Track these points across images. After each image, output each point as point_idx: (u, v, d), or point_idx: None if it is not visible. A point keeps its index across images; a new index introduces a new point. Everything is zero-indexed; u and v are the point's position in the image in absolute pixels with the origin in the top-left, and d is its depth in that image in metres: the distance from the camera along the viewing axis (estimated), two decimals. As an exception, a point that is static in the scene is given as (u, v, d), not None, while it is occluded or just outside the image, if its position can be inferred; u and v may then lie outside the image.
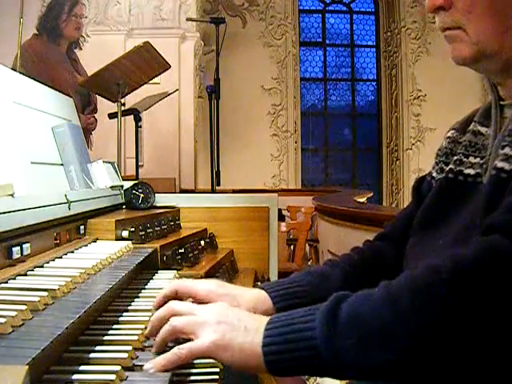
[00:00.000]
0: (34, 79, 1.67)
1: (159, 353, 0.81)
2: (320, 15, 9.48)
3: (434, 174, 1.04)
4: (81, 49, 5.00)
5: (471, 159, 0.96)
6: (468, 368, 0.71)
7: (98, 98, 4.24)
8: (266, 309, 0.97)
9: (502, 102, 0.94)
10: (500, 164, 0.84)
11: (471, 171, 0.95)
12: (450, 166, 0.99)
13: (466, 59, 0.89)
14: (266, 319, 0.78)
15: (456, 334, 0.68)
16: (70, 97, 2.02)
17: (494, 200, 0.80)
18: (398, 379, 0.75)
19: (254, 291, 0.99)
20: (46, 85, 1.76)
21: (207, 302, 0.91)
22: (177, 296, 0.95)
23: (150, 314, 0.95)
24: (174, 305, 0.86)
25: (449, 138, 1.05)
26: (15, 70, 1.59)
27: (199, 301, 0.93)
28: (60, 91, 1.91)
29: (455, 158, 0.99)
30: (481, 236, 0.76)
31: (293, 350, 0.72)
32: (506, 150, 0.84)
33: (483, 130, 0.97)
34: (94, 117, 4.77)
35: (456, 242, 0.89)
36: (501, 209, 0.76)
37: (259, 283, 1.87)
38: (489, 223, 0.76)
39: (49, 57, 4.74)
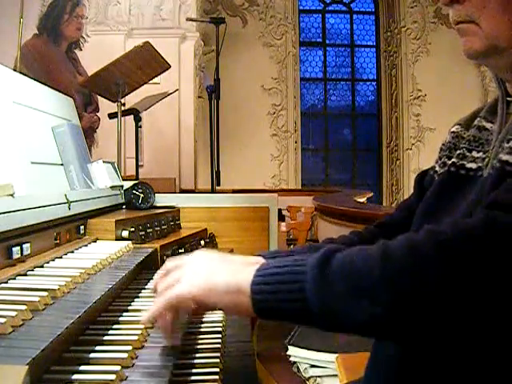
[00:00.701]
0: (36, 79, 1.67)
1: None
2: (320, 15, 9.48)
3: (437, 168, 1.05)
4: (80, 49, 5.01)
5: (474, 153, 0.96)
6: (451, 335, 0.70)
7: (99, 97, 4.25)
8: None
9: (508, 98, 0.94)
10: (505, 157, 0.84)
11: (473, 165, 0.95)
12: (453, 159, 0.99)
13: (477, 53, 0.89)
14: (253, 263, 0.79)
15: (443, 296, 0.68)
16: (71, 96, 2.02)
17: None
18: (380, 336, 0.75)
19: (252, 257, 1.00)
20: (46, 85, 1.76)
21: None
22: None
23: (149, 314, 0.95)
24: (160, 284, 0.85)
25: (453, 132, 1.05)
26: (15, 70, 1.59)
27: None
28: (62, 90, 1.91)
29: (458, 152, 0.99)
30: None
31: (282, 290, 0.72)
32: (511, 143, 0.84)
33: (488, 125, 0.97)
34: (96, 115, 4.78)
35: None
36: (503, 187, 0.76)
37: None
38: (490, 200, 0.76)
39: (50, 56, 4.75)
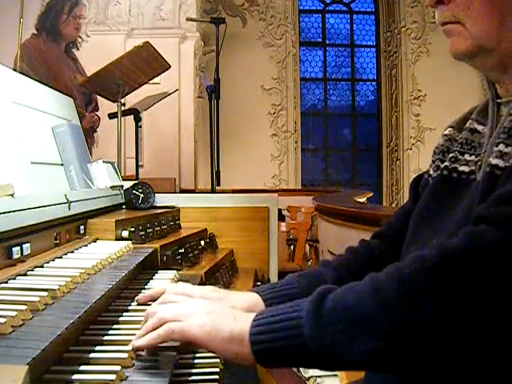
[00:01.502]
0: (37, 79, 1.67)
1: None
2: (320, 15, 9.48)
3: (431, 172, 1.04)
4: (78, 49, 5.01)
5: (466, 156, 0.96)
6: (452, 357, 0.71)
7: (98, 97, 4.25)
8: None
9: (498, 100, 0.94)
10: (494, 161, 0.84)
11: (466, 168, 0.94)
12: (446, 163, 0.99)
13: (463, 53, 0.89)
14: (253, 313, 0.79)
15: (439, 321, 0.68)
16: (72, 95, 2.03)
17: (488, 196, 0.80)
18: (382, 369, 0.75)
19: (248, 294, 1.00)
20: (46, 85, 1.76)
21: None
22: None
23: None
24: (153, 307, 0.87)
25: (446, 135, 1.05)
26: (15, 70, 1.59)
27: None
28: (64, 88, 1.92)
29: (451, 155, 0.99)
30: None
31: (279, 338, 0.73)
32: (501, 146, 0.84)
33: (480, 127, 0.97)
34: (97, 115, 4.79)
35: (450, 238, 0.89)
36: (489, 201, 0.77)
37: (259, 283, 1.87)
38: (477, 214, 0.76)
39: (51, 55, 4.76)
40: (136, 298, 0.99)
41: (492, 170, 0.84)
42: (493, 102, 0.95)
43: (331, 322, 0.71)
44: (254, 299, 0.98)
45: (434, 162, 1.05)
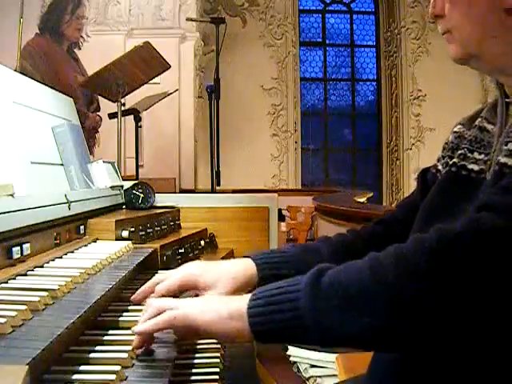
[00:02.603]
0: (39, 79, 1.67)
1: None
2: (320, 15, 9.47)
3: (440, 167, 1.05)
4: (80, 49, 5.02)
5: (475, 155, 0.96)
6: (445, 340, 0.71)
7: (100, 97, 4.25)
8: (247, 275, 0.98)
9: (507, 100, 0.95)
10: (503, 159, 0.84)
11: (475, 167, 0.95)
12: (454, 159, 0.99)
13: (457, 59, 0.96)
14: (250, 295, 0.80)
15: (434, 304, 0.68)
16: (76, 95, 2.03)
17: None
18: (374, 347, 0.76)
19: (238, 259, 1.01)
20: (46, 85, 1.76)
21: (191, 286, 0.94)
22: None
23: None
24: (154, 303, 0.86)
25: (456, 132, 1.05)
26: (16, 70, 1.59)
27: (185, 289, 0.95)
28: (67, 88, 1.92)
29: (459, 152, 0.99)
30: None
31: (276, 311, 0.74)
32: (510, 145, 0.84)
33: (489, 126, 0.97)
34: (98, 115, 4.80)
35: None
36: (494, 190, 0.78)
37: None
38: (484, 202, 0.76)
39: (54, 55, 4.77)
40: (131, 298, 0.99)
41: (501, 169, 0.84)
42: (501, 102, 0.95)
43: (328, 296, 0.72)
44: (246, 263, 0.99)
45: (443, 157, 1.05)
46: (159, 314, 0.81)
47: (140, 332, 0.81)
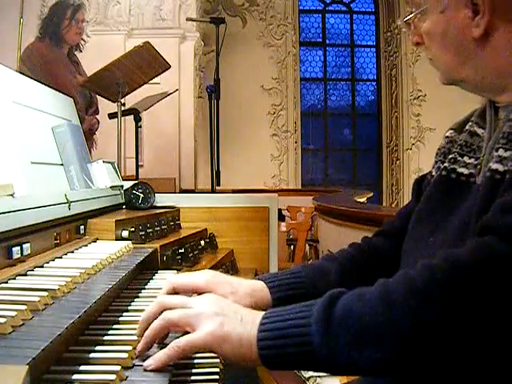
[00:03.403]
0: (39, 81, 1.67)
1: (148, 348, 0.81)
2: (320, 15, 9.47)
3: (434, 173, 1.05)
4: (81, 51, 5.03)
5: (465, 159, 0.97)
6: (463, 371, 0.71)
7: (99, 98, 4.26)
8: (262, 297, 0.98)
9: (496, 104, 0.96)
10: (494, 166, 0.85)
11: (464, 170, 0.96)
12: (445, 164, 1.00)
13: (444, 83, 1.03)
14: (261, 313, 0.79)
15: (449, 336, 0.68)
16: (74, 98, 2.03)
17: (489, 201, 0.81)
18: (390, 376, 0.76)
19: (252, 280, 1.01)
20: (46, 85, 1.76)
21: (206, 292, 0.92)
22: (175, 293, 0.95)
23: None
24: (165, 298, 0.86)
25: (447, 137, 1.06)
26: (16, 70, 1.59)
27: (199, 292, 0.93)
28: (65, 93, 1.92)
29: (450, 156, 1.00)
30: (476, 236, 0.76)
31: (287, 345, 0.73)
32: (500, 151, 0.85)
33: (479, 131, 0.98)
34: (96, 118, 4.80)
35: (448, 240, 0.90)
36: (495, 209, 0.77)
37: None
38: (484, 224, 0.76)
39: (53, 59, 4.77)
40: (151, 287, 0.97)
41: (492, 175, 0.85)
42: (490, 107, 0.98)
43: (340, 332, 0.71)
44: (257, 285, 0.99)
45: (436, 162, 1.06)
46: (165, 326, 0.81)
47: (157, 366, 0.78)
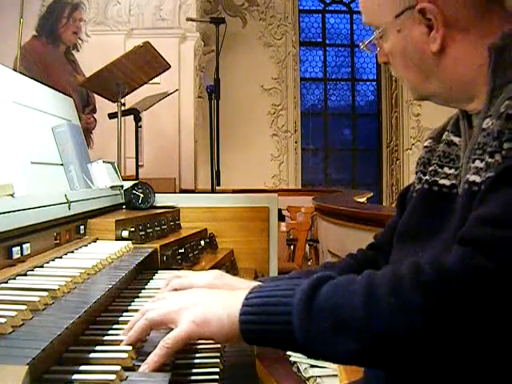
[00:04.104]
0: (39, 81, 1.67)
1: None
2: (320, 15, 9.48)
3: (416, 185, 1.06)
4: (78, 50, 5.03)
5: (446, 170, 0.98)
6: (437, 373, 0.73)
7: (98, 97, 4.26)
8: None
9: (469, 112, 0.97)
10: (472, 177, 0.85)
11: (446, 182, 0.97)
12: (426, 176, 1.01)
13: (416, 99, 1.04)
14: (244, 291, 0.80)
15: (426, 339, 0.69)
16: (70, 97, 2.03)
17: (468, 213, 0.81)
18: (362, 365, 0.80)
19: (253, 282, 1.02)
20: (46, 85, 1.76)
21: None
22: None
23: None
24: (147, 306, 0.88)
25: (426, 147, 1.07)
26: (16, 70, 1.59)
27: None
28: (61, 91, 1.91)
29: (430, 168, 1.01)
30: (456, 244, 0.76)
31: (267, 322, 0.75)
32: (477, 163, 0.85)
33: (456, 139, 0.99)
34: (93, 116, 4.80)
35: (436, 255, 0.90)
36: (471, 221, 0.77)
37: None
38: (462, 235, 0.77)
39: (49, 58, 4.77)
40: (151, 287, 0.98)
41: (470, 187, 0.85)
42: (462, 116, 0.98)
43: (319, 317, 0.72)
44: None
45: (416, 173, 1.07)
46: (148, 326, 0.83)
47: (153, 368, 0.78)
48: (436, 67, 0.94)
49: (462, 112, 0.98)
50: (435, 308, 0.69)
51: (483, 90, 0.90)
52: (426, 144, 1.08)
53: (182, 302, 0.83)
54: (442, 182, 0.97)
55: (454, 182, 0.95)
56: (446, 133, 1.02)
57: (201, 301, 0.81)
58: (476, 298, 0.69)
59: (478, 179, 0.84)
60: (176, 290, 0.97)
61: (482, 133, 0.86)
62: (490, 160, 0.81)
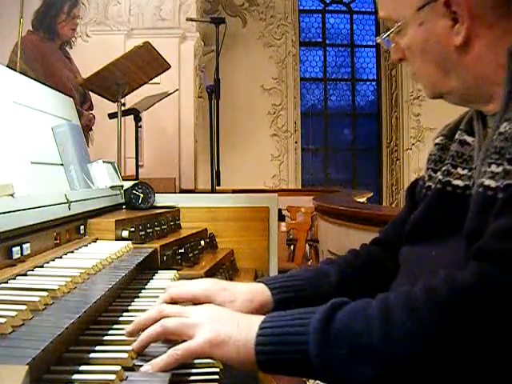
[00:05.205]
0: (34, 76, 1.67)
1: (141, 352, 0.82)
2: (320, 15, 9.48)
3: (426, 179, 1.05)
4: (71, 47, 5.03)
5: (459, 170, 0.97)
6: None
7: (98, 97, 4.25)
8: (263, 300, 0.99)
9: (484, 113, 0.96)
10: (487, 182, 0.84)
11: (460, 183, 0.96)
12: (439, 176, 1.00)
13: (430, 97, 1.02)
14: (259, 318, 0.80)
15: (445, 360, 0.69)
16: (70, 93, 2.03)
17: (481, 218, 0.80)
18: None
19: (252, 284, 1.02)
20: (46, 84, 1.76)
21: (205, 302, 0.93)
22: (173, 302, 0.95)
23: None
24: (166, 307, 0.87)
25: (438, 144, 1.06)
26: (15, 70, 1.59)
27: (198, 302, 0.95)
28: (61, 86, 1.92)
29: (443, 168, 1.00)
30: (472, 260, 0.76)
31: (284, 352, 0.74)
32: (493, 167, 0.84)
33: (469, 139, 0.98)
34: (92, 113, 4.80)
35: (450, 256, 0.89)
36: (490, 233, 0.76)
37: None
38: (480, 249, 0.76)
39: (48, 52, 4.76)
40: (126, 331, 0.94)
41: (485, 191, 0.84)
42: (477, 116, 0.98)
43: (336, 345, 0.72)
44: (258, 288, 1.00)
45: (427, 169, 1.06)
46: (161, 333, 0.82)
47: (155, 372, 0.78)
48: (457, 62, 0.93)
49: (477, 112, 0.97)
50: (453, 328, 0.69)
51: (500, 92, 0.89)
52: (437, 141, 1.07)
53: (199, 317, 0.82)
54: (455, 182, 0.96)
55: (467, 183, 0.94)
56: (459, 132, 1.01)
57: (219, 321, 0.80)
58: (495, 315, 0.68)
59: (493, 184, 0.83)
60: (173, 298, 0.96)
61: (499, 136, 0.84)
62: (509, 167, 0.79)
